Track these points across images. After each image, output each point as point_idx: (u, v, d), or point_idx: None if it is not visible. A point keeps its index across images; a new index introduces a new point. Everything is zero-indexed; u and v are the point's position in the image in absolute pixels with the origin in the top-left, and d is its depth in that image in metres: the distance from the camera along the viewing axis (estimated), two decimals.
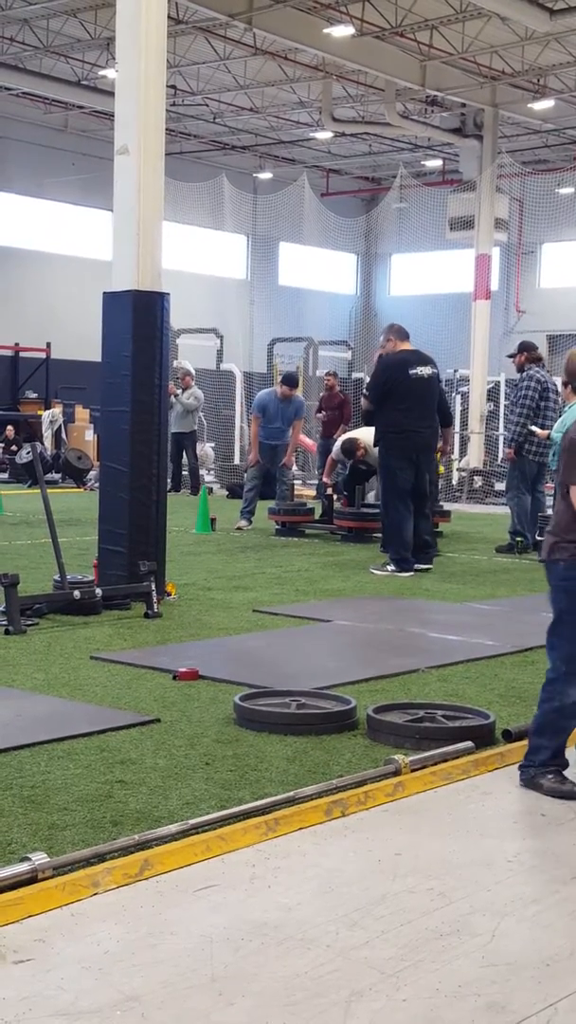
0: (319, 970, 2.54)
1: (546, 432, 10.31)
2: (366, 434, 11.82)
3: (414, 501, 9.57)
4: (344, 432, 13.98)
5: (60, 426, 22.44)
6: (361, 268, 34.31)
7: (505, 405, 20.34)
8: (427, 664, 5.76)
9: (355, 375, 24.55)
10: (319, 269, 31.47)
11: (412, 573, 9.26)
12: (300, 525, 12.35)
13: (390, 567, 9.32)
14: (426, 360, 9.66)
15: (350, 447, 11.83)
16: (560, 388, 10.27)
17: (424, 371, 9.50)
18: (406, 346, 9.65)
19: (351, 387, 21.57)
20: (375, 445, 9.90)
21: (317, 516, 12.68)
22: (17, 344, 25.85)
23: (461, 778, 3.92)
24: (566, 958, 2.63)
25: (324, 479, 13.03)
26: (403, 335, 9.69)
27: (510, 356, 11.80)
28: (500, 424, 21.02)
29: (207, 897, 2.92)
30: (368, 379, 11.15)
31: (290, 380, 12.93)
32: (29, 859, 2.94)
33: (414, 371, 9.42)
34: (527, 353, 11.22)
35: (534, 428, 10.59)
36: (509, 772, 4.00)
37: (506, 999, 2.43)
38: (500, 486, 17.45)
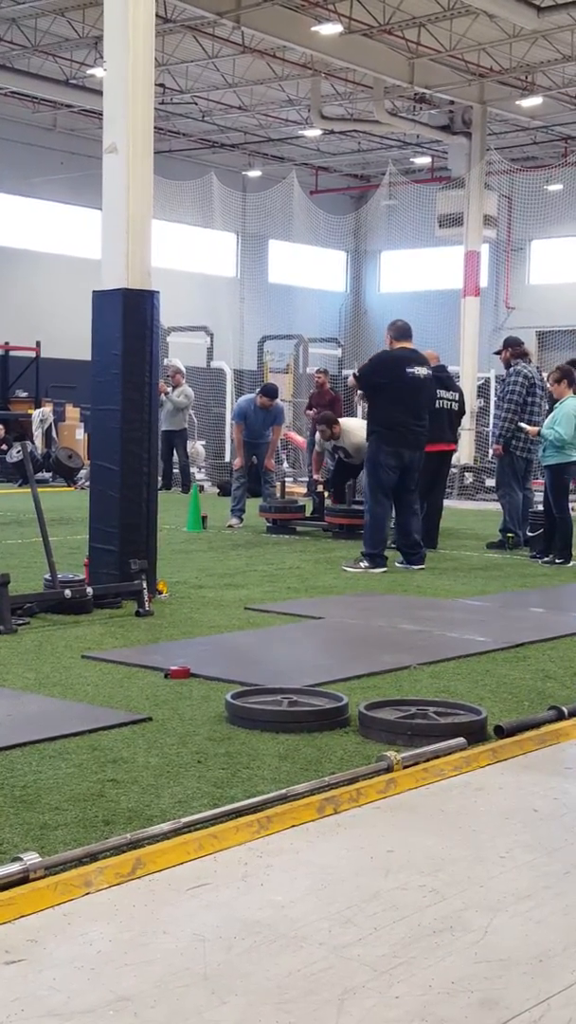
0: (312, 968, 2.53)
1: (535, 429, 10.32)
2: (354, 424, 11.86)
3: (404, 498, 9.58)
4: None
5: (50, 425, 22.40)
6: (351, 265, 34.32)
7: (494, 401, 20.35)
8: (419, 661, 5.76)
9: (345, 372, 24.54)
10: (309, 266, 31.48)
11: (384, 570, 9.26)
12: (291, 522, 12.36)
13: (363, 563, 9.32)
14: (423, 361, 9.69)
15: (329, 418, 11.91)
16: (549, 384, 10.27)
17: (421, 371, 9.53)
18: (405, 344, 9.66)
19: (341, 384, 21.56)
20: (367, 438, 9.89)
21: (308, 513, 12.69)
22: (7, 343, 25.79)
23: (453, 774, 3.92)
24: (559, 954, 2.63)
25: (314, 476, 13.05)
26: (402, 333, 9.69)
27: (496, 352, 11.82)
28: (490, 420, 21.05)
29: (199, 896, 2.92)
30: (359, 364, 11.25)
31: (269, 391, 12.96)
32: (21, 859, 2.93)
33: (411, 370, 9.43)
34: (512, 348, 11.23)
35: (523, 425, 10.60)
36: (501, 768, 4.01)
37: (499, 995, 2.42)
38: (491, 482, 17.47)
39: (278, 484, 13.29)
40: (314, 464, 13.06)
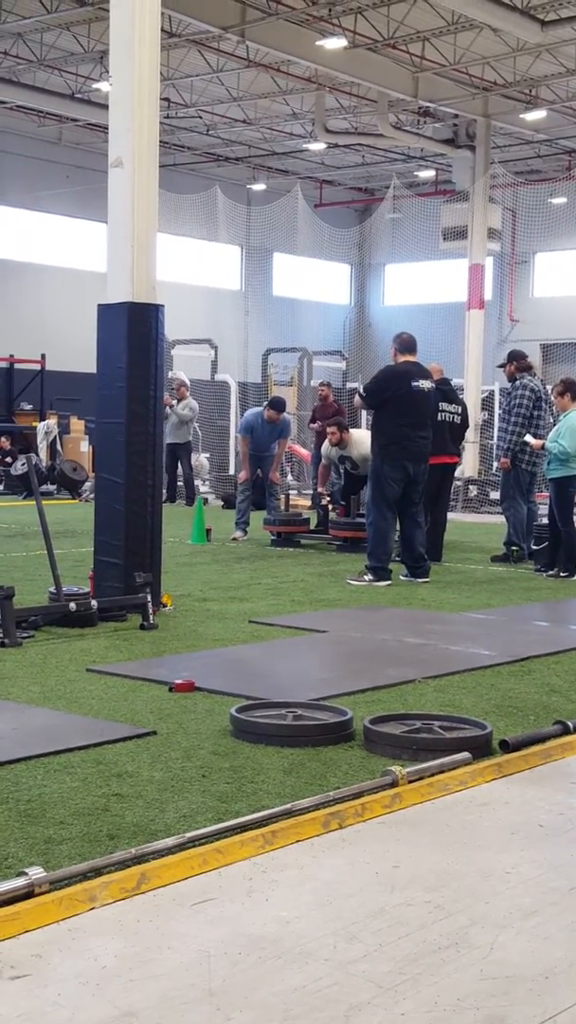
0: (317, 984, 2.53)
1: (540, 442, 10.32)
2: (361, 434, 11.85)
3: (408, 511, 9.58)
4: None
5: (55, 437, 22.43)
6: (355, 278, 34.38)
7: (498, 414, 20.36)
8: (423, 674, 5.75)
9: (349, 385, 24.57)
10: (313, 280, 31.54)
11: (389, 583, 9.26)
12: (296, 535, 12.36)
13: (367, 576, 9.32)
14: (427, 374, 9.73)
15: (341, 423, 11.92)
16: (554, 397, 10.28)
17: (425, 384, 9.56)
18: (409, 358, 9.69)
19: (345, 397, 21.58)
20: (371, 451, 9.90)
21: (312, 526, 12.68)
22: (12, 356, 25.85)
23: (458, 789, 3.91)
24: (565, 970, 2.62)
25: (319, 489, 13.05)
26: (407, 346, 9.72)
27: (500, 366, 11.83)
28: (495, 433, 21.07)
29: (204, 911, 2.91)
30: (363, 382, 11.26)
31: (277, 405, 12.95)
32: (26, 874, 2.93)
33: (416, 384, 9.47)
34: (517, 362, 11.25)
35: (528, 438, 10.60)
36: (507, 783, 4.00)
37: (505, 1012, 2.42)
38: (495, 495, 17.46)
39: (282, 497, 13.28)
40: (319, 477, 13.05)
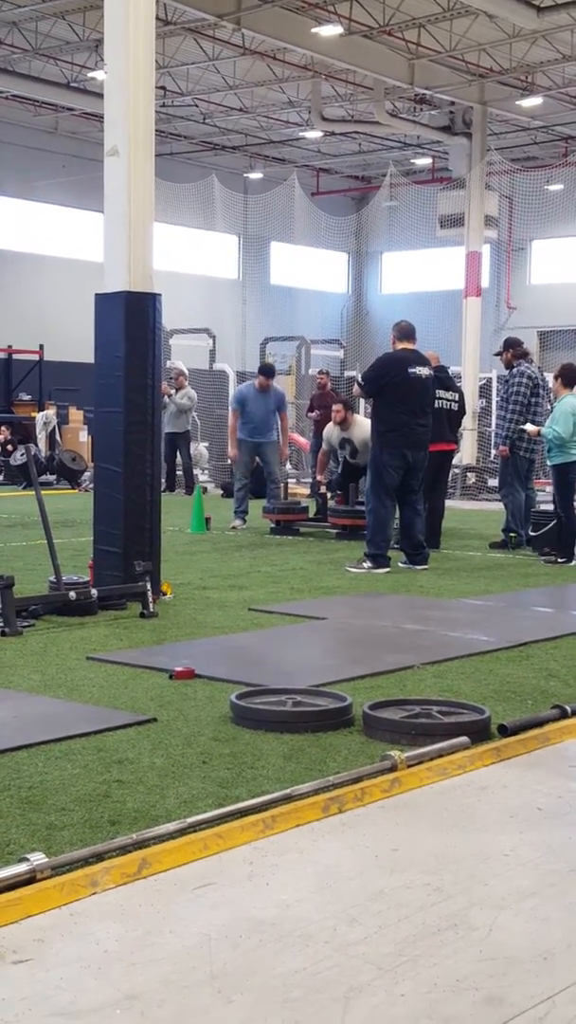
0: (317, 966, 2.55)
1: (536, 429, 10.33)
2: (364, 420, 11.86)
3: (407, 499, 9.59)
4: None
5: (54, 428, 22.44)
6: (352, 267, 34.33)
7: (496, 402, 20.38)
8: (422, 660, 5.77)
9: (348, 373, 24.56)
10: (310, 268, 31.48)
11: (388, 570, 9.28)
12: (295, 524, 12.37)
13: (366, 564, 9.34)
14: (425, 361, 9.73)
15: (348, 403, 11.93)
16: (551, 383, 10.29)
17: (422, 371, 9.56)
18: (407, 345, 9.69)
19: (343, 386, 21.57)
20: (370, 438, 9.91)
21: (311, 514, 12.69)
22: (10, 346, 25.83)
23: (457, 773, 3.93)
24: (564, 951, 2.64)
25: (318, 477, 13.05)
26: (406, 334, 9.73)
27: (497, 353, 11.83)
28: (492, 421, 21.07)
29: (205, 895, 2.93)
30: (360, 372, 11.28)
31: (267, 371, 12.89)
32: (28, 859, 2.95)
33: (413, 370, 9.46)
34: (513, 349, 11.25)
35: (526, 426, 10.61)
36: (505, 767, 4.02)
37: (504, 993, 2.44)
38: (493, 482, 17.47)
39: (281, 485, 13.28)
40: (318, 465, 13.04)
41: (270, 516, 12.44)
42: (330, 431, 12.15)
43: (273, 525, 12.36)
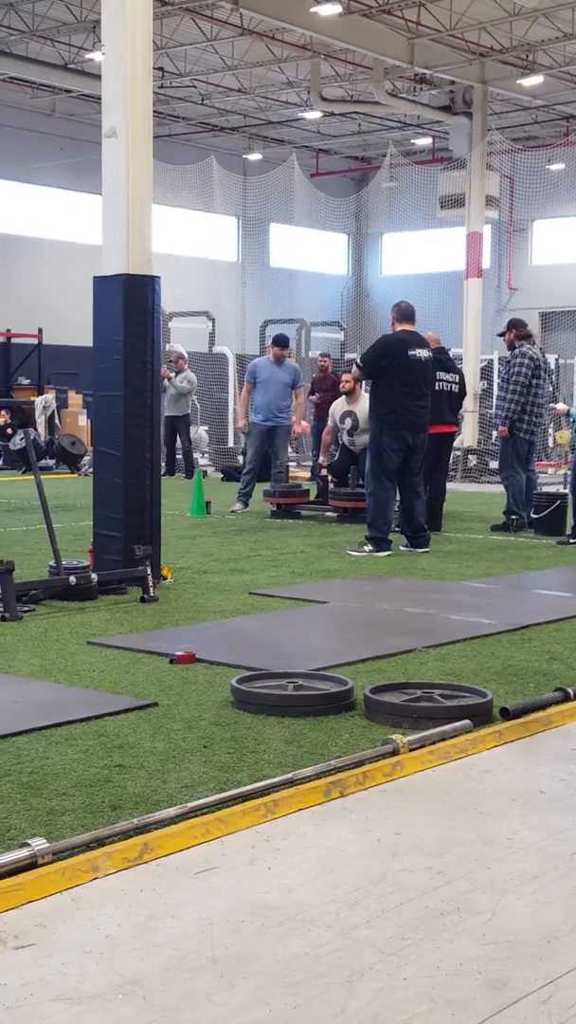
0: (320, 950, 2.54)
1: (565, 407, 10.40)
2: (366, 396, 11.82)
3: (407, 481, 9.57)
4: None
5: (53, 412, 22.39)
6: (352, 248, 34.21)
7: (497, 383, 20.34)
8: (424, 644, 5.76)
9: (348, 356, 24.49)
10: (310, 250, 31.38)
11: (389, 553, 9.26)
12: (296, 507, 12.35)
13: (367, 547, 9.32)
14: (424, 343, 9.69)
15: (358, 375, 11.87)
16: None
17: (421, 353, 9.52)
18: (407, 327, 9.65)
19: (344, 368, 21.49)
20: (369, 420, 9.88)
21: (312, 497, 12.67)
22: (9, 330, 25.76)
23: (459, 757, 3.92)
24: (566, 934, 2.64)
25: (320, 458, 13.02)
26: (405, 315, 9.68)
27: (500, 334, 11.80)
28: (493, 402, 21.03)
29: (207, 880, 2.93)
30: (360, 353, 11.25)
31: (281, 341, 12.74)
32: (28, 845, 2.94)
33: (412, 352, 9.43)
34: (516, 330, 11.22)
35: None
36: (507, 750, 4.01)
37: (507, 976, 2.43)
38: (495, 464, 17.44)
39: (285, 469, 13.19)
40: (322, 445, 12.99)
41: (271, 500, 12.42)
42: (335, 405, 12.10)
43: (274, 508, 12.34)
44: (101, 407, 7.78)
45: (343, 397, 11.93)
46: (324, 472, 12.76)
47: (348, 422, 11.86)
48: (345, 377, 11.91)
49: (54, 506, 8.21)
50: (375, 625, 6.40)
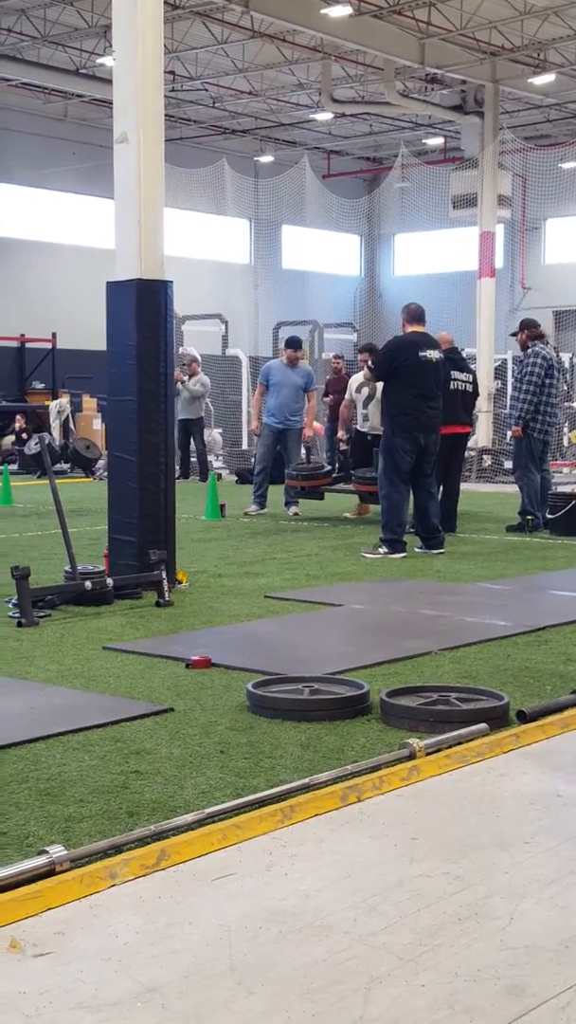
0: (337, 957, 2.54)
1: None
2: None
3: (421, 482, 9.55)
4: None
5: (68, 416, 22.45)
6: (365, 249, 34.19)
7: (511, 383, 20.29)
8: (440, 646, 5.75)
9: (361, 357, 24.46)
10: (322, 251, 31.38)
11: (403, 555, 9.25)
12: (320, 488, 12.37)
13: (382, 549, 9.31)
14: (435, 344, 9.68)
15: (371, 348, 11.87)
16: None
17: (433, 354, 9.51)
18: (418, 328, 9.65)
19: (356, 369, 21.48)
20: (382, 422, 9.87)
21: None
22: (23, 335, 25.84)
23: (476, 760, 3.91)
24: None
25: (339, 433, 13.02)
26: (415, 316, 9.67)
27: (513, 334, 11.77)
28: (507, 402, 20.98)
29: (224, 886, 2.93)
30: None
31: (293, 343, 12.76)
32: (47, 852, 2.95)
33: (423, 353, 9.42)
34: (529, 330, 11.20)
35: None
36: (524, 753, 4.00)
37: (525, 982, 2.42)
38: (509, 464, 17.39)
39: (304, 451, 13.12)
40: (340, 418, 12.90)
41: (294, 482, 12.39)
42: (354, 378, 12.18)
43: (297, 491, 12.36)
44: (115, 412, 7.80)
45: (363, 371, 11.92)
46: (344, 447, 12.69)
47: (365, 391, 11.85)
48: (363, 356, 11.95)
49: (69, 511, 8.23)
50: (391, 628, 6.40)
